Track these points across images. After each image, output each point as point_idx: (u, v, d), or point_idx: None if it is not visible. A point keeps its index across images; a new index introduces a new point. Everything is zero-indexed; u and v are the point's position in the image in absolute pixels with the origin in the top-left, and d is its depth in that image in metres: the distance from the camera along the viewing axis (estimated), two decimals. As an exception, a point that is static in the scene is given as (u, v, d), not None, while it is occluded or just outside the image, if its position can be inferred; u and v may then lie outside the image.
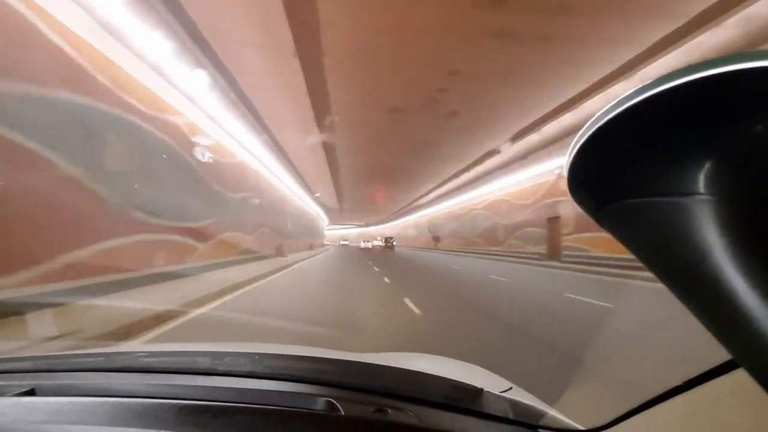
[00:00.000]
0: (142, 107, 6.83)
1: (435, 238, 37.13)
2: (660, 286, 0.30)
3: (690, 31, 6.64)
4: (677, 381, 0.48)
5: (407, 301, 6.06)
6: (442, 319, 5.10)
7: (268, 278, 9.92)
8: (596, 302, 6.19)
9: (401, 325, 4.59)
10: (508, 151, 15.54)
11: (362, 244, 54.81)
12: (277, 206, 19.90)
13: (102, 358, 0.91)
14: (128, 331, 3.70)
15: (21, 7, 4.34)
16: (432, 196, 33.31)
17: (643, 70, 7.91)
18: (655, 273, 0.29)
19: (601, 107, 0.26)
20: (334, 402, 0.63)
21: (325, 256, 23.66)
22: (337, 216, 56.03)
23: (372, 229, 74.51)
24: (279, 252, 18.66)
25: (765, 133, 0.22)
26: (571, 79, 8.74)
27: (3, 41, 4.13)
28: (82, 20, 5.33)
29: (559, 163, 14.08)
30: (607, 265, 11.16)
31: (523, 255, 18.20)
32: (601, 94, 9.17)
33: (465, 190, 26.32)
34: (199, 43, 7.01)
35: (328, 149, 16.91)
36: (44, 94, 4.61)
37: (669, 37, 6.86)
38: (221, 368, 0.81)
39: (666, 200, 0.27)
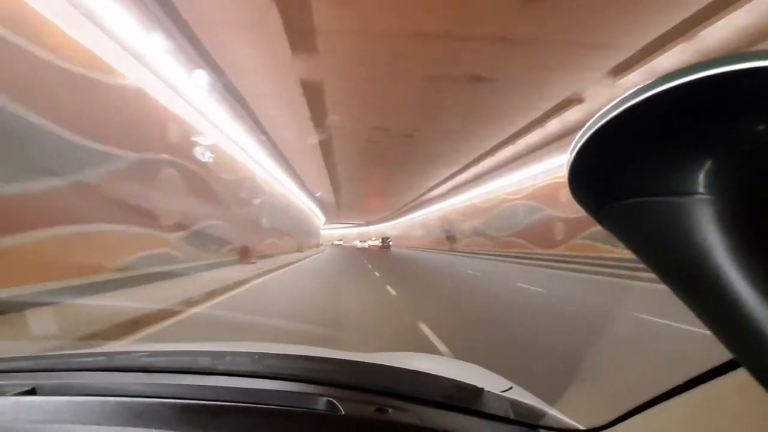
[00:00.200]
0: None
1: (449, 237, 31.29)
2: None
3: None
4: (678, 381, 0.48)
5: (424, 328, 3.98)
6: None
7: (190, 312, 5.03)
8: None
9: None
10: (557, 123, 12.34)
11: (358, 244, 55.15)
12: (243, 190, 14.01)
13: (103, 358, 0.92)
14: None
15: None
16: (445, 187, 27.63)
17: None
18: (656, 273, 0.29)
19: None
20: (335, 401, 0.62)
21: (314, 261, 17.90)
22: (334, 214, 51.58)
23: (372, 229, 70.32)
24: (244, 257, 12.83)
25: (764, 133, 0.22)
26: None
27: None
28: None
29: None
30: None
31: (600, 262, 12.26)
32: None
33: (492, 177, 20.65)
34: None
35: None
36: None
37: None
38: (221, 367, 0.80)
39: (666, 200, 0.27)
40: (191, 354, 0.96)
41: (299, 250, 26.04)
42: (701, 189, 0.25)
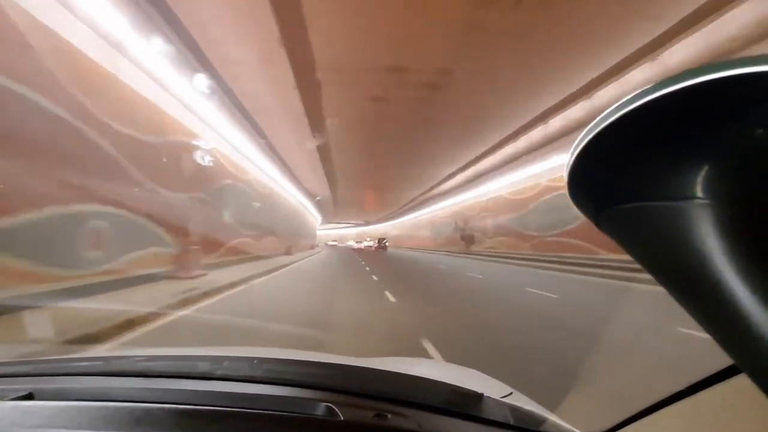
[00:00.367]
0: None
1: (465, 237, 26.67)
2: None
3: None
4: (678, 387, 0.47)
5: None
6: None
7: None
8: None
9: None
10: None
11: (354, 245, 55.45)
12: (183, 165, 9.27)
13: (100, 362, 0.91)
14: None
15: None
16: (462, 177, 23.16)
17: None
18: (655, 277, 0.29)
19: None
20: (334, 407, 0.62)
21: (297, 272, 13.21)
22: (331, 213, 47.16)
23: (372, 228, 66.04)
24: (183, 266, 8.19)
25: (762, 137, 0.23)
26: None
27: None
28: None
29: None
30: None
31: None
32: None
33: (531, 160, 16.19)
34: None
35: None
36: None
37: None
38: (219, 372, 0.78)
39: (665, 204, 0.27)
40: (189, 359, 0.95)
41: (287, 253, 21.40)
42: (700, 193, 0.25)
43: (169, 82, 8.37)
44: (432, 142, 16.18)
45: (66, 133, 5.26)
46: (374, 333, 4.27)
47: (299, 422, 0.60)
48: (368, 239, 56.21)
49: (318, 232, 54.09)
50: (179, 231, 8.49)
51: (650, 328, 4.44)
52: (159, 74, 7.95)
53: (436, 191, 29.56)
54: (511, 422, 0.66)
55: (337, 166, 21.50)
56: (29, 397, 0.64)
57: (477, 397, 0.68)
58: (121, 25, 6.40)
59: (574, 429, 0.66)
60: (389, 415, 0.61)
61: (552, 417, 0.70)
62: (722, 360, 0.31)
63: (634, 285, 7.69)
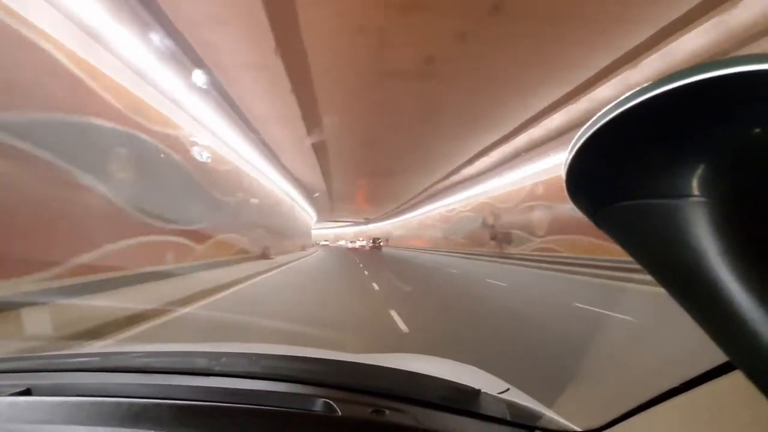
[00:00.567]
0: None
1: (498, 236, 20.89)
2: None
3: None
4: (674, 383, 0.47)
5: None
6: None
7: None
8: None
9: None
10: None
11: (349, 244, 57.36)
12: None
13: (98, 358, 0.90)
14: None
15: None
16: (488, 160, 17.72)
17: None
18: (652, 275, 0.30)
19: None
20: (332, 403, 0.61)
21: (275, 288, 7.58)
22: (327, 210, 42.06)
23: (372, 227, 61.70)
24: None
25: (758, 136, 0.23)
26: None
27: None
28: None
29: None
30: None
31: None
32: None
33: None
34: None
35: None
36: None
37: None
38: (218, 368, 0.78)
39: (662, 202, 0.27)
40: (187, 355, 0.94)
41: (264, 256, 15.73)
42: (696, 192, 0.25)
43: None
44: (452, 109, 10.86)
45: None
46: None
47: (297, 418, 0.60)
48: (361, 239, 57.75)
49: (313, 231, 51.03)
50: None
51: None
52: None
53: (451, 180, 23.88)
54: (508, 418, 0.66)
55: (332, 152, 16.13)
56: (27, 392, 0.65)
57: (474, 393, 0.67)
58: None
59: (571, 425, 0.65)
60: (387, 411, 0.61)
61: (549, 413, 0.70)
62: (718, 356, 0.31)
63: None
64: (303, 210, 33.29)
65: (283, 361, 0.86)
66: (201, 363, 0.82)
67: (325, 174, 22.03)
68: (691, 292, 0.27)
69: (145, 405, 0.59)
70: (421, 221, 40.88)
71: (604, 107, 0.26)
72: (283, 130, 13.12)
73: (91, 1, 5.57)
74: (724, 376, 0.41)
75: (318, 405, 0.61)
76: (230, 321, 4.65)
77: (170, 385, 0.70)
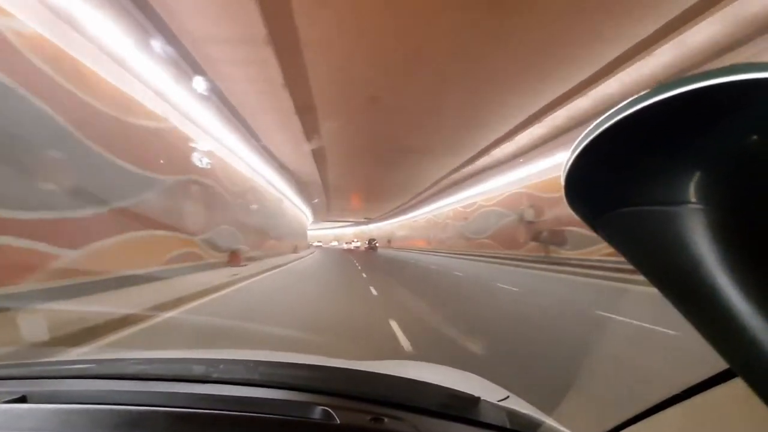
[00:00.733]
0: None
1: (541, 235, 16.53)
2: None
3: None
4: (674, 390, 0.46)
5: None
6: None
7: None
8: None
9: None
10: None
11: (344, 245, 58.37)
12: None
13: (94, 365, 0.88)
14: None
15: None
16: (510, 147, 13.93)
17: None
18: (651, 281, 0.29)
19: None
20: (330, 411, 0.60)
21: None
22: (324, 210, 39.27)
23: (373, 227, 60.20)
24: None
25: (755, 144, 0.23)
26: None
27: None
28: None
29: None
30: None
31: None
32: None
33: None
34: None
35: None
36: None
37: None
38: (215, 376, 0.77)
39: (660, 209, 0.27)
40: (185, 362, 0.92)
41: (233, 262, 11.59)
42: (694, 198, 0.25)
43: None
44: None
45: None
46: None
47: (296, 426, 0.59)
48: (356, 240, 58.99)
49: (309, 232, 49.78)
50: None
51: None
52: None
53: (470, 169, 19.67)
54: (508, 426, 0.65)
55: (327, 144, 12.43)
56: (23, 399, 0.64)
57: (474, 401, 0.67)
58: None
59: None
60: (386, 419, 0.61)
61: (549, 420, 0.69)
62: (718, 364, 0.31)
63: None
64: (295, 207, 29.16)
65: (281, 368, 0.85)
66: (198, 370, 0.80)
67: (320, 165, 18.02)
68: (689, 298, 0.27)
69: (141, 413, 0.59)
70: (429, 219, 36.82)
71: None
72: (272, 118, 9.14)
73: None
74: (724, 383, 0.41)
75: (316, 413, 0.60)
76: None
77: (167, 392, 0.70)
